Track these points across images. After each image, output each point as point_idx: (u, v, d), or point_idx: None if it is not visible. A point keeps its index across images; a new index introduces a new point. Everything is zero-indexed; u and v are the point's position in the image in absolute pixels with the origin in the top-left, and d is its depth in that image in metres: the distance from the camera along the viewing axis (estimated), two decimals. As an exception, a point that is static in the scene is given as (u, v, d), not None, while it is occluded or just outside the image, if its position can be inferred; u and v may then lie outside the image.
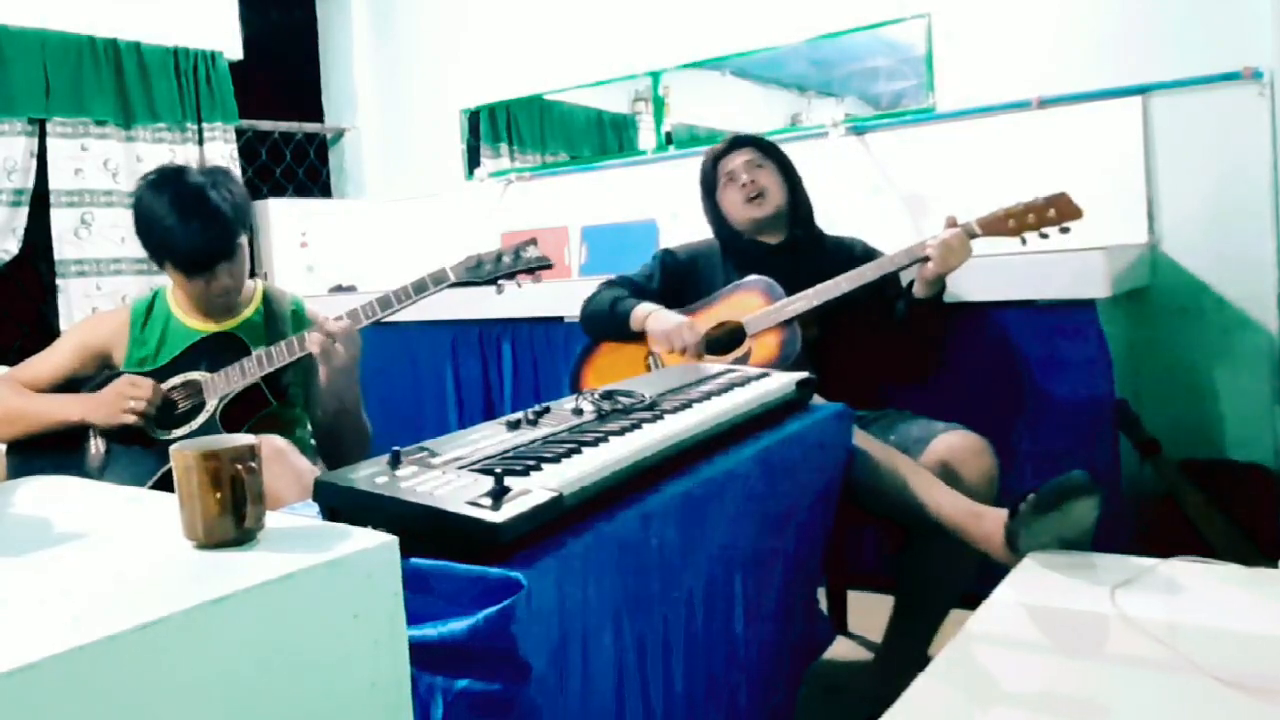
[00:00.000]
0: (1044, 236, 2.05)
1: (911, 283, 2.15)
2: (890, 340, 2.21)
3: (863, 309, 2.20)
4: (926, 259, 2.07)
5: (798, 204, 2.36)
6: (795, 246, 2.34)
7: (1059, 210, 2.02)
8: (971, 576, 1.83)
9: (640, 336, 2.27)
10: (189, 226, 1.88)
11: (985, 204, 2.88)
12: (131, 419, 1.89)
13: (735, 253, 2.36)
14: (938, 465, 1.89)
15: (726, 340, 2.22)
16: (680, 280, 2.37)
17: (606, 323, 2.32)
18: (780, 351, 2.15)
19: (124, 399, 1.89)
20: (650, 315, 2.24)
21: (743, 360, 2.17)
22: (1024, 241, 2.07)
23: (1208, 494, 2.43)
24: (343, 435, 2.04)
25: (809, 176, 2.40)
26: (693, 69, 3.52)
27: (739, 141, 2.38)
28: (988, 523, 1.68)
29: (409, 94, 4.33)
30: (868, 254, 2.29)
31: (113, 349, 2.06)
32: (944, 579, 1.93)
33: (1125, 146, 2.69)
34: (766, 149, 2.37)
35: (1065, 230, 2.04)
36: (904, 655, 1.98)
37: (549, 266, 1.98)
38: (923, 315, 2.14)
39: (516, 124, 4.06)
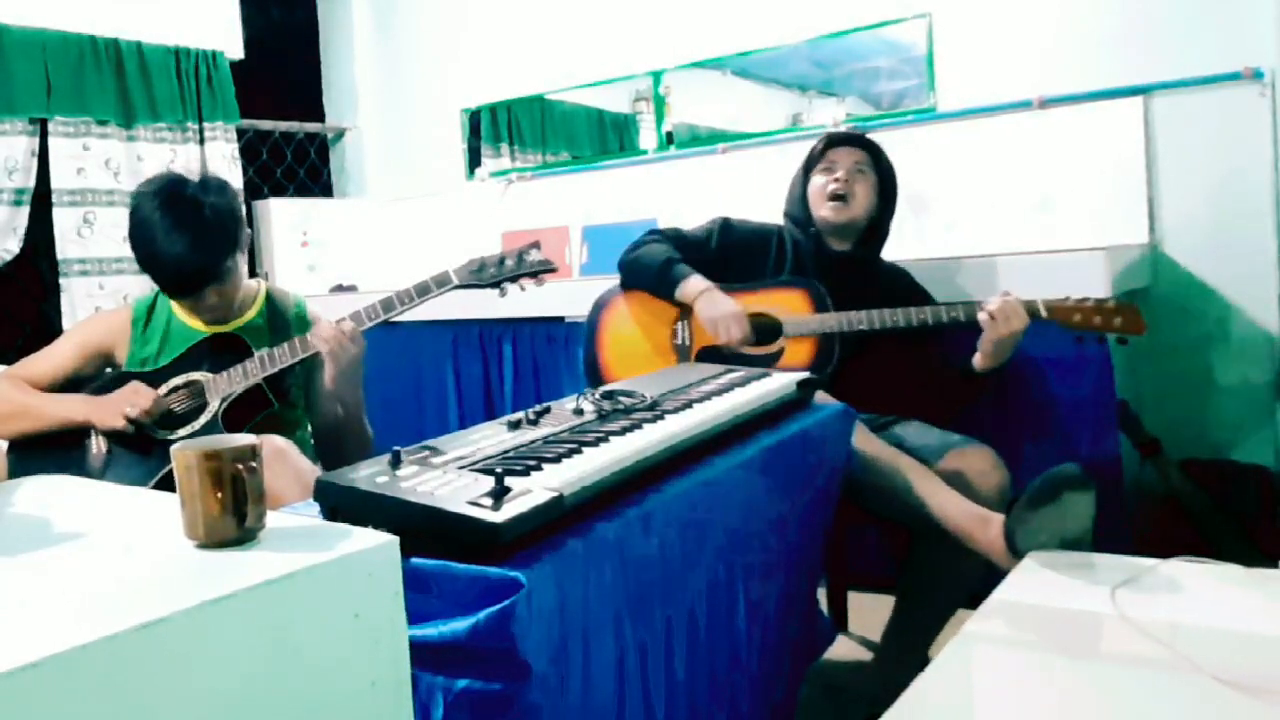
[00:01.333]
0: (1101, 341, 2.10)
1: (970, 335, 2.07)
2: (925, 384, 2.18)
3: (900, 341, 2.16)
4: (978, 321, 2.01)
5: (880, 224, 2.30)
6: (854, 261, 2.28)
7: (1125, 320, 1.98)
8: (975, 579, 1.82)
9: (674, 303, 2.24)
10: (173, 250, 1.86)
11: (987, 204, 2.90)
12: (122, 423, 1.89)
13: (795, 242, 2.30)
14: (951, 478, 1.86)
15: (761, 333, 2.18)
16: (730, 253, 2.31)
17: (653, 279, 2.26)
18: (813, 360, 2.12)
19: (124, 404, 1.89)
20: (702, 294, 2.17)
21: (775, 358, 2.16)
22: (1080, 340, 2.13)
23: (1208, 494, 2.43)
24: (343, 439, 2.03)
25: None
26: (694, 69, 3.52)
27: (858, 139, 2.30)
28: (992, 529, 1.68)
29: (410, 94, 4.33)
30: (919, 293, 2.26)
31: (114, 348, 2.06)
32: (947, 582, 1.93)
33: (1126, 147, 2.70)
34: (879, 161, 2.28)
35: (1124, 342, 2.05)
36: (903, 656, 1.98)
37: (552, 270, 1.98)
38: (975, 384, 2.10)
39: (517, 124, 4.06)
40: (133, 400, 1.90)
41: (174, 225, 1.86)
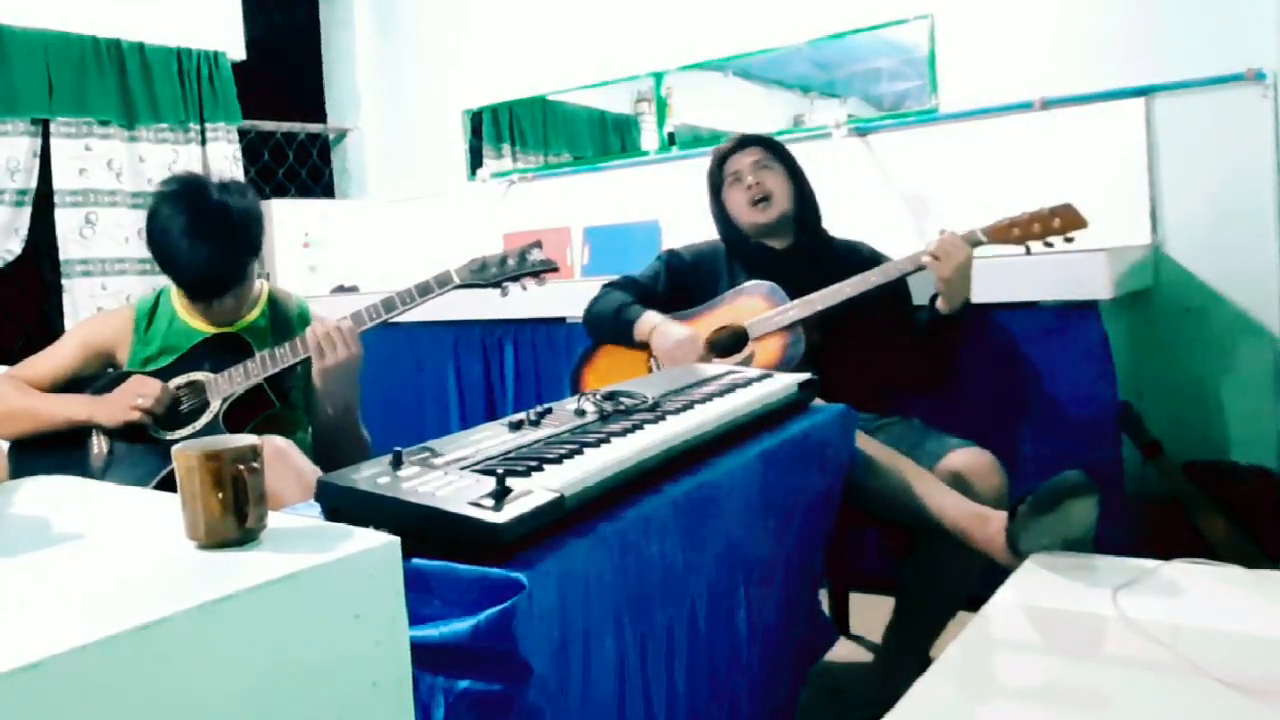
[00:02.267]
0: (1049, 245, 2.07)
1: (935, 297, 2.12)
2: (901, 349, 2.19)
3: (868, 315, 2.18)
4: (925, 267, 2.05)
5: (805, 207, 2.32)
6: (801, 250, 2.31)
7: (1064, 220, 2.03)
8: (974, 581, 1.82)
9: (639, 347, 2.26)
10: (198, 256, 1.87)
11: (988, 205, 2.88)
12: (137, 415, 1.88)
13: (741, 255, 2.34)
14: (949, 480, 1.87)
15: (729, 344, 2.21)
16: (684, 282, 2.34)
17: (610, 328, 2.30)
18: (783, 355, 2.14)
19: (132, 396, 1.89)
20: (655, 329, 2.21)
21: (745, 364, 2.17)
22: (1028, 251, 2.08)
23: (1210, 496, 2.43)
24: (338, 443, 2.01)
25: (812, 177, 2.38)
26: (695, 70, 3.52)
27: (746, 141, 2.34)
28: (992, 526, 1.67)
29: (411, 94, 4.33)
30: (874, 258, 2.27)
31: (116, 348, 2.06)
32: (947, 583, 1.92)
33: (1128, 148, 2.69)
34: (774, 149, 2.33)
35: (1069, 239, 2.05)
36: (904, 657, 1.98)
37: (554, 269, 1.98)
38: (944, 329, 2.12)
39: (519, 124, 4.06)
40: (140, 392, 1.89)
41: (199, 231, 1.86)
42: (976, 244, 2.07)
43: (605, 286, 2.39)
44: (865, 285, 2.11)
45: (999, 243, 2.08)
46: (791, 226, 2.32)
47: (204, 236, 1.86)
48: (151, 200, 1.94)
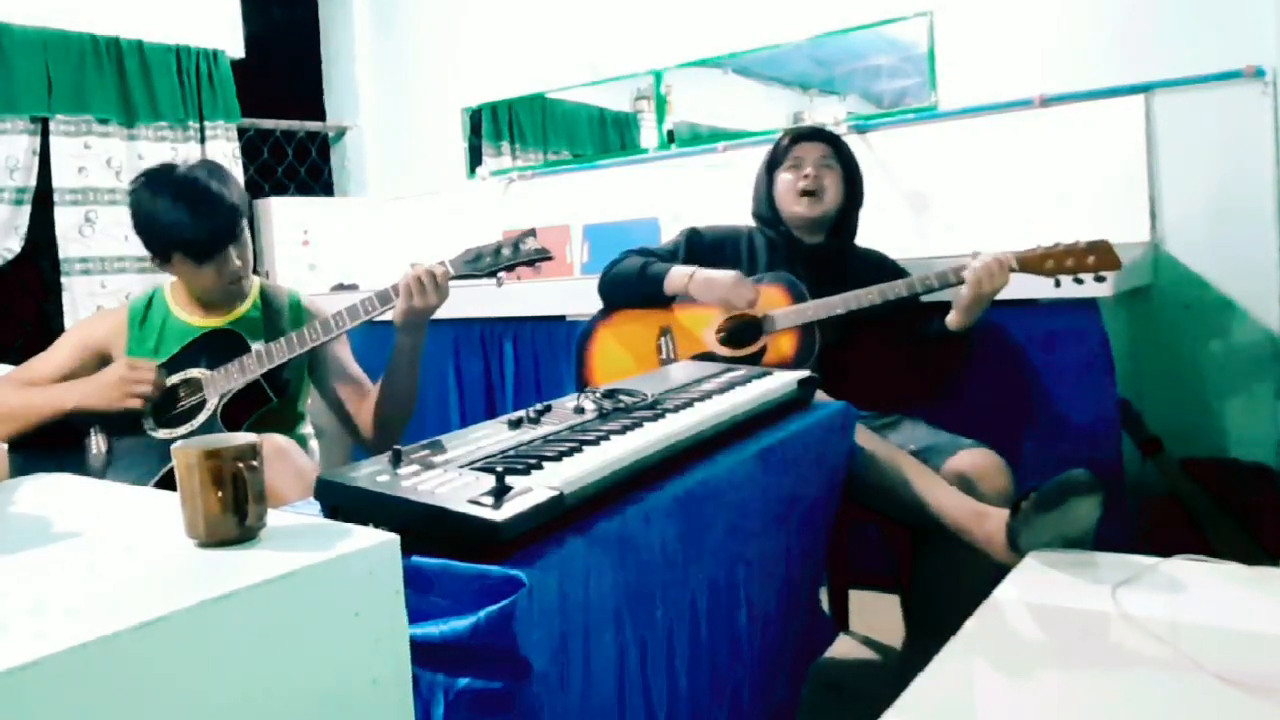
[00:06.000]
0: (1079, 282, 2.01)
1: (946, 308, 2.10)
2: (908, 359, 2.18)
3: (880, 323, 2.17)
4: (960, 282, 2.03)
5: (848, 216, 2.33)
6: (828, 250, 2.31)
7: (1099, 258, 1.98)
8: (984, 578, 1.81)
9: (663, 303, 2.25)
10: (193, 213, 1.88)
11: (987, 203, 2.90)
12: (136, 403, 1.88)
13: (766, 240, 2.32)
14: (955, 480, 1.86)
15: (742, 333, 2.20)
16: (702, 261, 2.31)
17: (633, 286, 2.27)
18: (796, 354, 2.13)
19: (126, 383, 1.89)
20: (692, 279, 2.19)
21: (758, 356, 2.16)
22: (1058, 284, 2.01)
23: (1210, 493, 2.43)
24: (395, 385, 2.00)
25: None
26: (695, 67, 3.52)
27: (821, 134, 2.34)
28: (990, 523, 1.67)
29: (411, 92, 4.33)
30: (894, 269, 2.27)
31: (112, 347, 2.06)
32: (949, 581, 1.90)
33: (1127, 145, 2.69)
34: (842, 153, 2.32)
35: (1100, 279, 2.00)
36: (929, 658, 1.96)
37: (549, 258, 1.96)
38: (950, 345, 2.11)
39: (518, 122, 4.06)
40: (136, 378, 1.89)
41: (181, 196, 1.89)
42: (1009, 269, 2.02)
43: (624, 253, 2.37)
44: (891, 295, 2.09)
45: (1030, 272, 2.01)
46: (828, 228, 2.32)
47: (192, 198, 1.89)
48: (129, 197, 1.96)
